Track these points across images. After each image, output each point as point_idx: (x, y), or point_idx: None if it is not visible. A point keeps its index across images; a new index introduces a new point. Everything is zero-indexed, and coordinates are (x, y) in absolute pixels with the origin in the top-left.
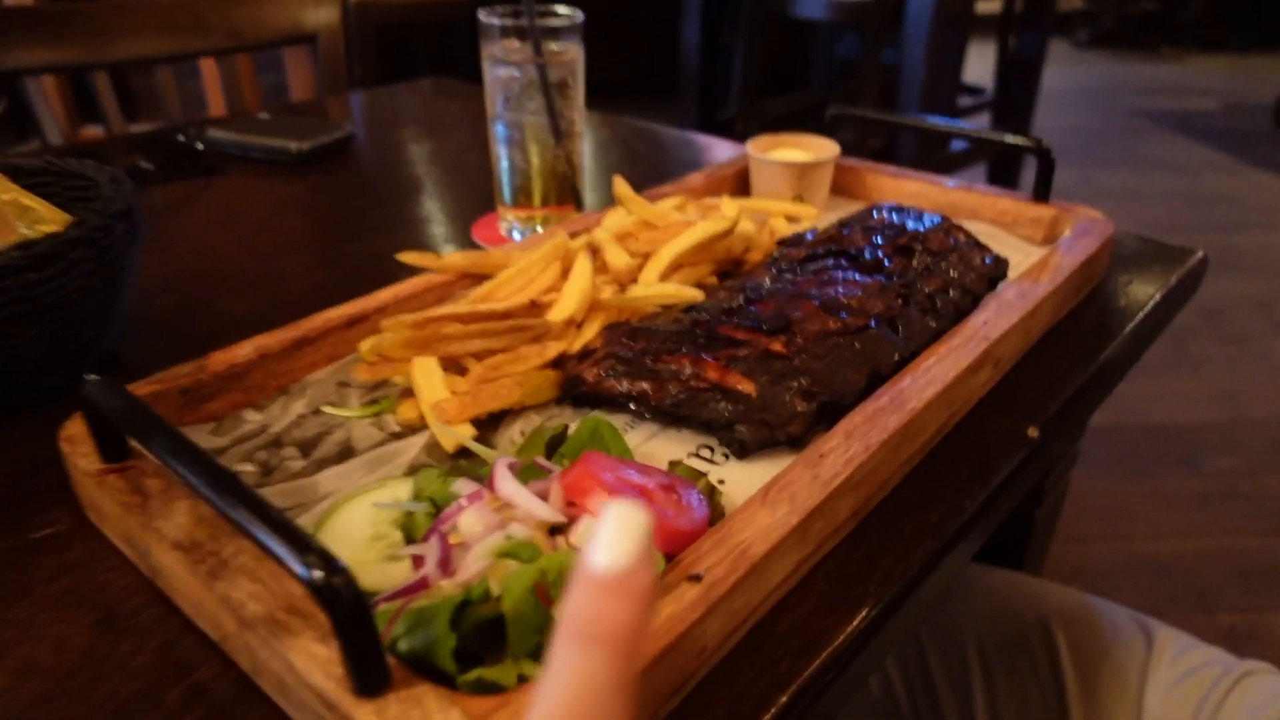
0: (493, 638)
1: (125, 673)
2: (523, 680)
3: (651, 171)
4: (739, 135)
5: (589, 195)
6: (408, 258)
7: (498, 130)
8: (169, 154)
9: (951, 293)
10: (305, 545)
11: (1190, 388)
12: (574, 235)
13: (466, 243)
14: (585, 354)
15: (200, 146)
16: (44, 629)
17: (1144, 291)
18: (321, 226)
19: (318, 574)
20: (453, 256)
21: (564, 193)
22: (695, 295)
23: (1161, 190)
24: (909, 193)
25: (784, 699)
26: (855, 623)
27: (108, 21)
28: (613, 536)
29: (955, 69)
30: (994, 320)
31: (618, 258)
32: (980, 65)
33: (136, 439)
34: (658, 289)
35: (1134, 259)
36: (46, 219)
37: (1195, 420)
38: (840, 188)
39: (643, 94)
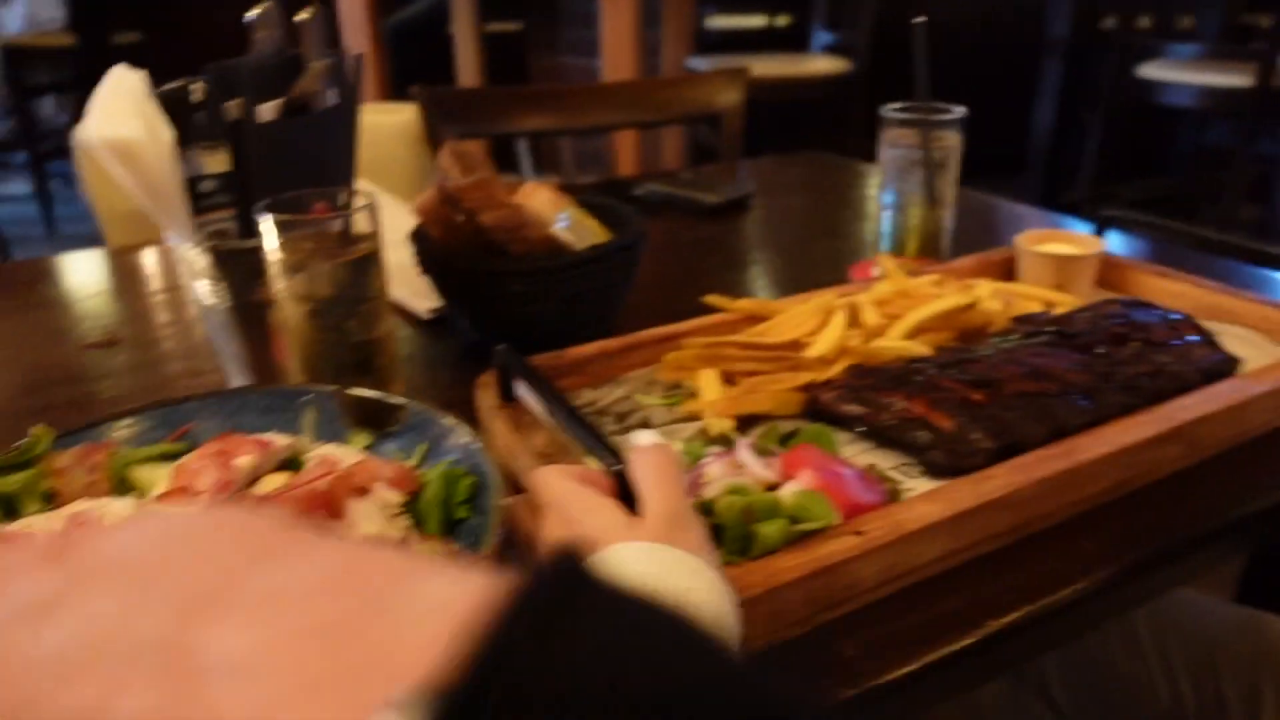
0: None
1: None
2: (728, 564)
3: (991, 240)
4: (1087, 217)
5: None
6: (713, 300)
7: (886, 196)
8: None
9: (1159, 379)
10: (613, 450)
11: None
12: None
13: (842, 281)
14: (828, 384)
15: (639, 194)
16: None
17: None
18: (726, 264)
19: (616, 468)
20: (742, 302)
21: (929, 248)
22: (924, 351)
23: None
24: (1171, 292)
25: (915, 647)
26: (988, 626)
27: (575, 100)
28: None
29: None
30: (1191, 404)
31: (870, 316)
32: None
33: (528, 384)
34: (894, 344)
35: None
36: (599, 233)
37: None
38: (1109, 283)
39: (985, 170)
